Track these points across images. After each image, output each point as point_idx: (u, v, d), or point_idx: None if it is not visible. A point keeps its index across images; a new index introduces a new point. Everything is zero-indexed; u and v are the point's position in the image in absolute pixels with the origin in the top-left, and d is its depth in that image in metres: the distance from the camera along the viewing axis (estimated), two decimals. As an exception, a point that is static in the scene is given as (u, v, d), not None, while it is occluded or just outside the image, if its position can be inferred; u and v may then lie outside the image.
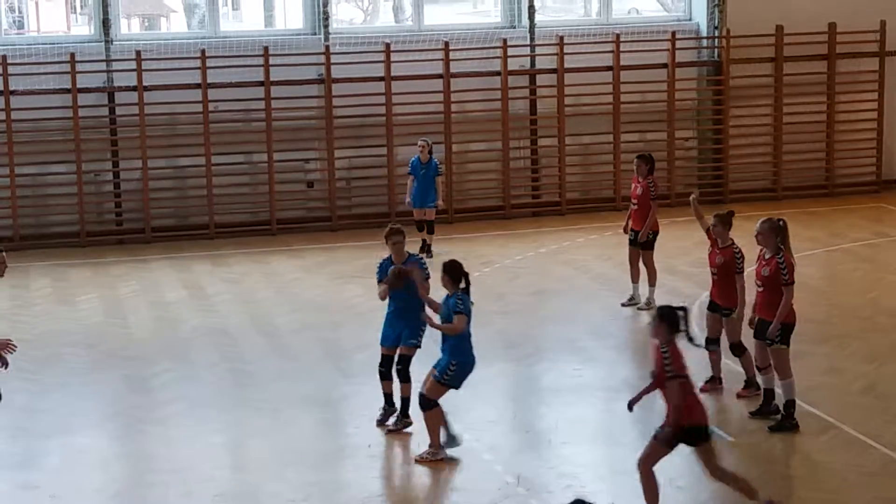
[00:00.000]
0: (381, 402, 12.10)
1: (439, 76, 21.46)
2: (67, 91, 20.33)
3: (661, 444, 9.79)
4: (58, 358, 14.56)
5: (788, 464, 11.03)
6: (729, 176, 22.80)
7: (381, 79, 21.20)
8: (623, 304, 15.99)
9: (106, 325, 15.90)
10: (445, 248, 19.26)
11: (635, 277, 15.96)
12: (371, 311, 16.17)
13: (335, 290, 17.41)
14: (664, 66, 22.30)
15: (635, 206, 15.79)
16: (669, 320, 9.79)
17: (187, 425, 12.24)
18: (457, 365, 11.11)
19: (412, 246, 14.36)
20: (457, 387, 11.20)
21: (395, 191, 21.29)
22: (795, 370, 11.85)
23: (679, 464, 11.08)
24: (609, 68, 22.05)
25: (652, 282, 15.86)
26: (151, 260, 19.42)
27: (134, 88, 20.49)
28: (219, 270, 18.68)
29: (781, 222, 11.85)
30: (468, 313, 11.08)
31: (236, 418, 12.50)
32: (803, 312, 13.58)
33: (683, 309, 9.93)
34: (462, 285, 11.19)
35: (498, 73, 21.70)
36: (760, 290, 11.82)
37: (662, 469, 10.79)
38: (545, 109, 22.21)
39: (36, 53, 20.51)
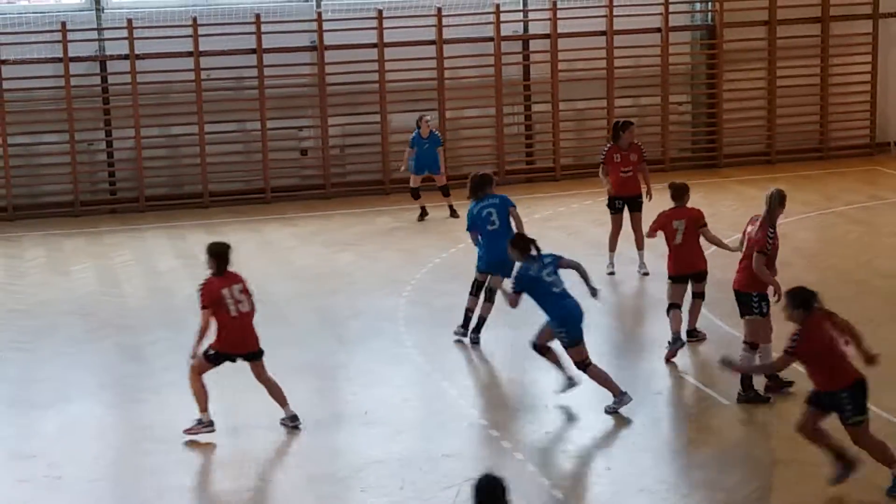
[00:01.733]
0: (378, 367, 12.15)
1: (432, 43, 21.39)
2: (59, 60, 20.25)
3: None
4: (53, 328, 14.56)
5: (784, 426, 11.04)
6: (723, 140, 22.77)
7: (374, 46, 21.13)
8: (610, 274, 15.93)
9: (100, 295, 15.90)
10: (441, 214, 19.28)
11: (615, 245, 15.94)
12: (365, 278, 16.21)
13: (329, 257, 17.40)
14: (658, 30, 22.24)
15: (629, 173, 15.75)
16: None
17: (183, 393, 12.14)
18: (562, 329, 11.28)
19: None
20: (580, 338, 11.29)
21: (389, 158, 21.25)
22: (789, 333, 11.84)
23: (676, 427, 11.12)
24: (602, 33, 21.98)
25: (642, 245, 15.82)
26: (145, 229, 19.40)
27: (126, 57, 20.42)
28: (213, 238, 18.52)
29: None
30: (522, 289, 11.32)
31: (232, 386, 12.48)
32: (798, 276, 13.60)
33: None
34: (533, 253, 11.37)
35: (491, 39, 21.63)
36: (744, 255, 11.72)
37: (659, 432, 10.81)
38: (538, 75, 22.15)
39: (27, 22, 20.42)
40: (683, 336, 12.67)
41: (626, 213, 15.84)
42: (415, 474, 10.17)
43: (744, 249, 11.61)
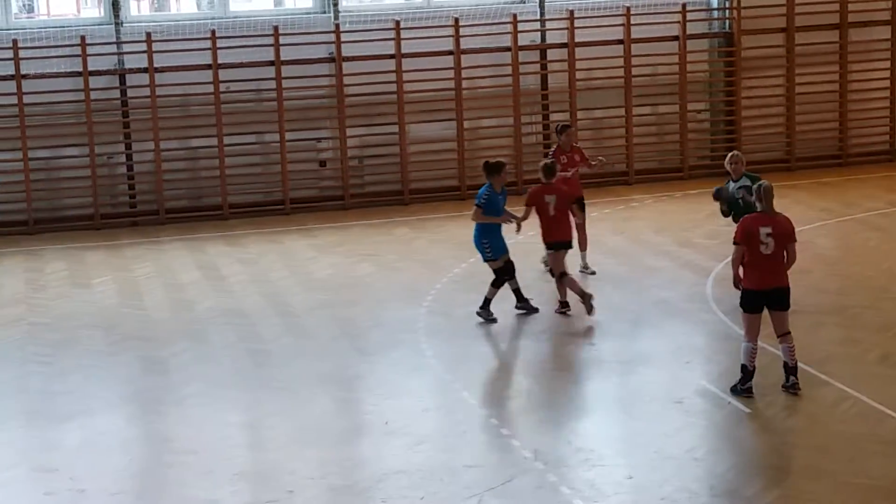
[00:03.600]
0: (399, 378, 12.19)
1: (450, 53, 21.42)
2: (79, 74, 20.36)
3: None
4: (74, 340, 14.62)
5: (805, 434, 11.03)
6: (742, 147, 22.70)
7: (391, 56, 21.18)
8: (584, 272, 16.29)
9: (121, 307, 15.95)
10: (460, 223, 19.29)
11: (584, 244, 16.30)
12: (384, 288, 16.24)
13: (349, 268, 17.43)
14: (675, 38, 22.23)
15: (571, 175, 16.13)
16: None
17: (205, 405, 12.28)
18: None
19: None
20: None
21: (408, 168, 21.28)
22: (810, 341, 11.85)
23: (697, 436, 11.11)
24: (620, 42, 21.98)
25: (586, 246, 16.40)
26: (165, 241, 19.46)
27: (145, 70, 20.51)
28: (233, 251, 18.72)
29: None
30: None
31: (254, 398, 12.55)
32: (817, 283, 13.61)
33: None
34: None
35: (508, 49, 21.66)
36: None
37: (680, 441, 10.84)
38: (556, 84, 22.17)
39: (46, 37, 20.52)
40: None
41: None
42: (436, 485, 10.18)
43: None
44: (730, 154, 15.03)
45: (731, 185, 14.63)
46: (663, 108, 22.51)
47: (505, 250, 14.50)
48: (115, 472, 10.82)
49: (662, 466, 10.38)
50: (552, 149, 16.85)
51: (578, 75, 21.92)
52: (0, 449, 11.41)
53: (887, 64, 23.09)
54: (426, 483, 10.21)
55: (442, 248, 18.19)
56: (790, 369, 11.84)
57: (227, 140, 20.87)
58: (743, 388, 11.74)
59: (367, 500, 10.08)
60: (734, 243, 11.73)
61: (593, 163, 16.71)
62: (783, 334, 11.78)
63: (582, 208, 16.01)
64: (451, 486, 10.12)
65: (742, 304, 11.79)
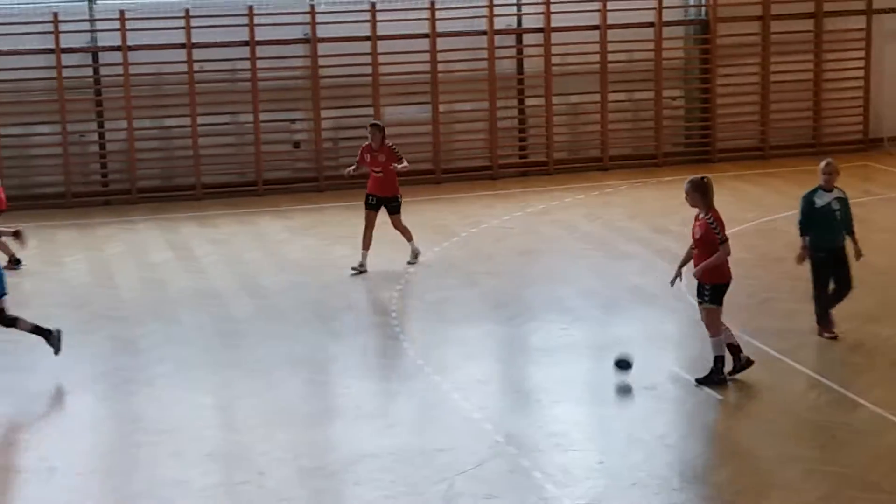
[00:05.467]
0: (370, 360, 12.13)
1: (426, 36, 21.36)
2: (51, 51, 20.20)
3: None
4: (45, 319, 14.41)
5: (777, 422, 11.06)
6: (717, 135, 22.78)
7: (367, 38, 21.10)
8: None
9: (93, 286, 15.86)
10: (434, 208, 19.27)
11: (368, 243, 16.09)
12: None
13: (322, 250, 17.38)
14: (651, 24, 22.22)
15: (380, 174, 16.04)
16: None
17: (176, 386, 12.23)
18: None
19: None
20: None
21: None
22: (784, 328, 11.88)
23: (669, 422, 11.13)
24: (596, 27, 21.96)
25: (410, 237, 16.33)
26: (138, 221, 19.36)
27: (118, 48, 20.37)
28: (206, 231, 18.64)
29: (705, 179, 11.78)
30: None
31: (225, 379, 12.50)
32: (794, 270, 13.62)
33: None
34: None
35: (484, 33, 21.60)
36: (695, 251, 11.83)
37: (652, 426, 10.85)
38: (532, 69, 22.14)
39: (19, 13, 20.35)
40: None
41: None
42: (407, 468, 10.16)
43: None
44: (825, 162, 13.33)
45: (822, 195, 13.11)
46: (638, 94, 22.51)
47: None
48: (85, 451, 10.77)
49: (634, 452, 10.39)
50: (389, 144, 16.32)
51: (554, 60, 21.89)
52: (-32, 427, 11.35)
53: (861, 53, 23.16)
54: (397, 466, 10.19)
55: (416, 232, 18.13)
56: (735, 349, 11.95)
57: (200, 120, 20.76)
58: (719, 377, 11.76)
59: (338, 483, 10.06)
60: (725, 240, 11.65)
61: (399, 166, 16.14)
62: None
63: (395, 210, 16.13)
64: (423, 470, 10.10)
65: (714, 299, 11.74)
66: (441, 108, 21.61)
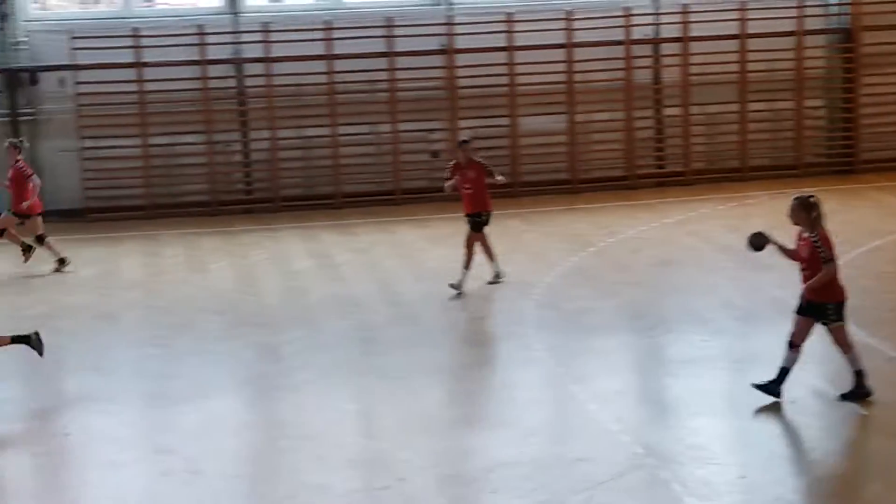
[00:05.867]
0: (509, 369, 12.18)
1: (562, 46, 21.38)
2: (197, 63, 20.69)
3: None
4: (190, 325, 14.87)
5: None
6: (860, 146, 22.36)
7: (503, 49, 21.20)
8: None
9: (236, 293, 16.20)
10: (570, 218, 19.27)
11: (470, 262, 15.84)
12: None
13: (459, 259, 17.42)
14: (792, 33, 21.93)
15: (469, 190, 15.70)
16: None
17: (318, 392, 12.42)
18: None
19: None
20: None
21: (519, 161, 21.29)
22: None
23: (811, 437, 10.97)
24: (735, 36, 21.76)
25: (493, 256, 15.97)
26: (280, 229, 19.72)
27: (261, 60, 20.78)
28: (345, 239, 18.91)
29: (811, 198, 11.52)
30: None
31: (366, 386, 12.66)
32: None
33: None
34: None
35: (621, 43, 21.54)
36: (806, 272, 11.59)
37: (794, 441, 10.67)
38: (670, 78, 22.01)
39: (165, 26, 20.90)
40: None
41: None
42: (547, 477, 10.19)
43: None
44: None
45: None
46: (779, 104, 22.22)
47: None
48: (230, 455, 11.01)
49: (775, 467, 10.27)
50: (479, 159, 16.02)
51: (692, 69, 21.74)
52: (118, 430, 11.64)
53: None
54: (536, 475, 10.23)
55: (552, 242, 18.17)
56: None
57: (340, 130, 21.06)
58: (862, 391, 11.56)
59: (477, 491, 10.13)
60: (830, 259, 11.47)
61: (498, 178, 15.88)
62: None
63: (478, 228, 15.81)
64: (563, 480, 10.12)
65: (838, 316, 11.57)
66: (578, 117, 21.59)
